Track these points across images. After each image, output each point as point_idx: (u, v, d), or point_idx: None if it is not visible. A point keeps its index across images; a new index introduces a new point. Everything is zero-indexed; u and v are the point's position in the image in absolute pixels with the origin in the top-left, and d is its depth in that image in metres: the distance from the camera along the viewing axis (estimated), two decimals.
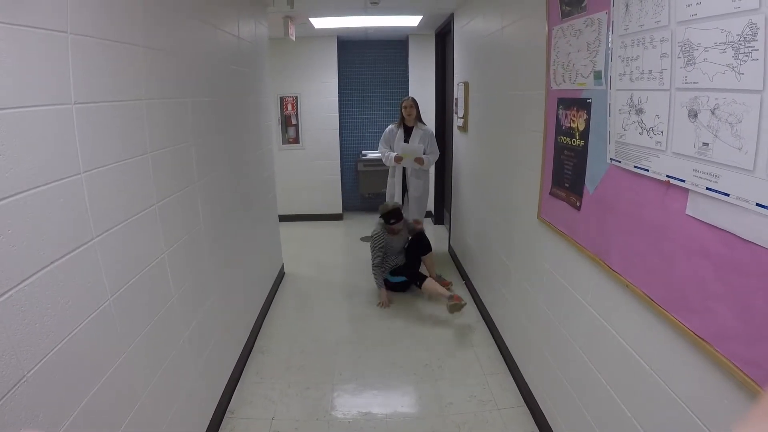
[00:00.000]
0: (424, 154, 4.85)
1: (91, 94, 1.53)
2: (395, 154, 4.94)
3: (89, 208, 1.51)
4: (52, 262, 1.33)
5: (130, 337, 1.75)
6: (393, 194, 5.11)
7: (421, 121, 4.99)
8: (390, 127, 5.07)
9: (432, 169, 6.32)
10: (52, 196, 1.34)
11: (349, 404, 2.86)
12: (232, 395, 2.90)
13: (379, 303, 4.15)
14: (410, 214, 5.14)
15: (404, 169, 5.03)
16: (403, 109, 4.89)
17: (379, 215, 4.25)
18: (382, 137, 5.10)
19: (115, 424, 1.64)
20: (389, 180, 5.20)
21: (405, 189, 5.13)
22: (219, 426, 2.63)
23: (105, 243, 1.59)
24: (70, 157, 1.44)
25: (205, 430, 2.46)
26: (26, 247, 1.23)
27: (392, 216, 4.11)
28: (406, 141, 4.91)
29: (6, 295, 1.16)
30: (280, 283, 4.65)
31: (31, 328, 1.24)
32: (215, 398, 2.66)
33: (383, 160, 5.11)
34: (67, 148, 1.42)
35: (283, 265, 4.90)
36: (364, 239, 5.97)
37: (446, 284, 4.39)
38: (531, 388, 2.71)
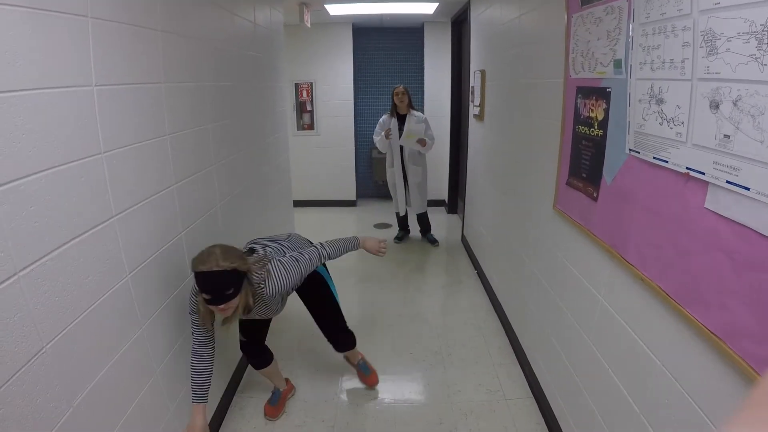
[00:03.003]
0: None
1: (111, 77, 1.55)
2: (382, 133, 4.93)
3: (109, 188, 1.54)
4: (72, 239, 1.36)
5: (147, 313, 1.79)
6: (394, 183, 5.14)
7: (413, 107, 4.98)
8: (383, 117, 5.05)
9: (446, 158, 6.32)
10: (73, 174, 1.37)
11: (358, 388, 2.90)
12: (242, 375, 2.95)
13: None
14: (413, 200, 5.16)
15: (402, 157, 5.03)
16: (395, 96, 4.89)
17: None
18: (377, 127, 5.09)
19: (129, 397, 1.69)
20: (388, 170, 5.21)
21: (405, 178, 5.14)
22: (229, 404, 2.68)
23: (124, 221, 1.62)
24: (91, 137, 1.46)
25: (216, 408, 2.51)
26: (48, 224, 1.26)
27: (202, 281, 1.80)
28: (401, 129, 4.91)
29: (28, 269, 1.19)
30: None
31: (51, 301, 1.27)
32: (226, 378, 2.70)
33: (378, 147, 5.11)
34: (88, 128, 1.44)
35: None
36: (377, 226, 6.00)
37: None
38: (539, 379, 2.71)
